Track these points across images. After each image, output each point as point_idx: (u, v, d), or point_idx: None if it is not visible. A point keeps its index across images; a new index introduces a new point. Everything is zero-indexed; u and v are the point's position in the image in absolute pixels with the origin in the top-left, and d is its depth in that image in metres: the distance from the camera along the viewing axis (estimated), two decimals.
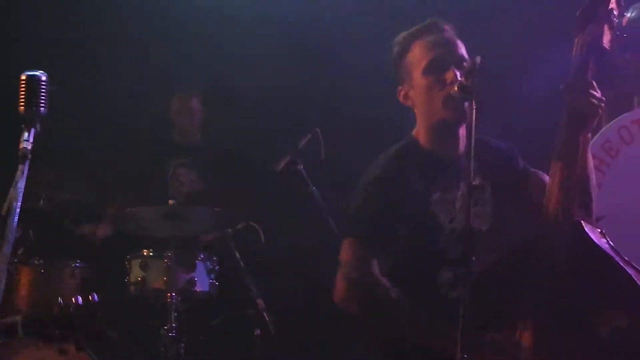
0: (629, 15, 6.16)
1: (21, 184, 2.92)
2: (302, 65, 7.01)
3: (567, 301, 3.32)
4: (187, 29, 7.30)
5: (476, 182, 3.58)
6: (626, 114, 5.99)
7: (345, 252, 3.76)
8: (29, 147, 2.98)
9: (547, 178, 3.63)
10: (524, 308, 3.39)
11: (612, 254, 3.38)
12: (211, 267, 6.48)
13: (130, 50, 7.24)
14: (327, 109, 6.51)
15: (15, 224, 2.89)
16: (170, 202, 6.39)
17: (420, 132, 3.94)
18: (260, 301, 6.36)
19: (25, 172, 2.94)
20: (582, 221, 3.42)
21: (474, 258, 3.33)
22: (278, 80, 7.09)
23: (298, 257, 6.41)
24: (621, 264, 3.36)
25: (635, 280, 3.30)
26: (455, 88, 3.58)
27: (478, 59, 3.55)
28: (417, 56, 3.87)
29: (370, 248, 3.70)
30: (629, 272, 3.33)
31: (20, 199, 2.89)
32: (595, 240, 3.39)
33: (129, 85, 7.16)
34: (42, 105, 3.02)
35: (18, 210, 2.89)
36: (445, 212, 3.80)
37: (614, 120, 5.89)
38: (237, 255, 6.47)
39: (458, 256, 3.56)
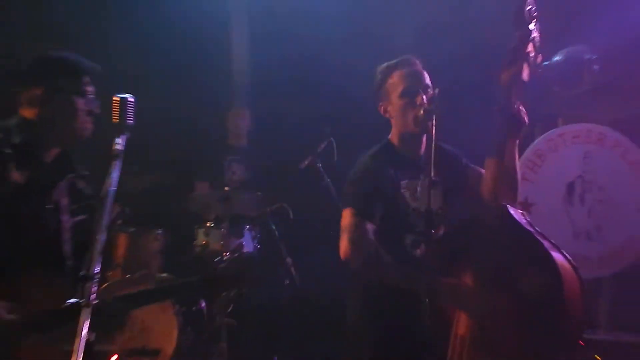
0: (557, 58, 6.37)
1: (115, 175, 2.87)
2: (318, 87, 7.03)
3: (496, 261, 3.36)
4: (231, 62, 7.29)
5: (433, 174, 3.57)
6: (553, 129, 6.25)
7: (346, 219, 3.80)
8: (121, 148, 2.93)
9: (482, 171, 3.68)
10: (467, 265, 3.47)
11: (530, 228, 3.42)
12: (255, 235, 6.67)
13: (195, 77, 7.19)
14: (338, 122, 6.54)
15: (111, 204, 2.82)
16: (226, 188, 6.58)
17: (394, 137, 4.01)
18: (289, 259, 6.55)
19: (118, 166, 2.89)
20: (507, 205, 3.44)
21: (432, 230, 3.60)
22: (301, 99, 7.10)
23: (315, 229, 6.45)
24: (536, 236, 3.40)
25: (546, 248, 3.35)
26: (421, 112, 3.76)
27: (437, 91, 3.79)
28: (396, 83, 3.93)
29: (361, 217, 3.73)
30: (542, 242, 3.38)
31: (115, 185, 2.85)
32: (517, 218, 3.43)
33: (197, 101, 7.16)
34: (129, 119, 2.97)
35: (113, 193, 2.84)
36: (410, 195, 3.85)
37: (544, 134, 6.12)
38: (273, 227, 6.62)
39: (420, 226, 3.76)
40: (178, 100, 6.97)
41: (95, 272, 2.73)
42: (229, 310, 6.33)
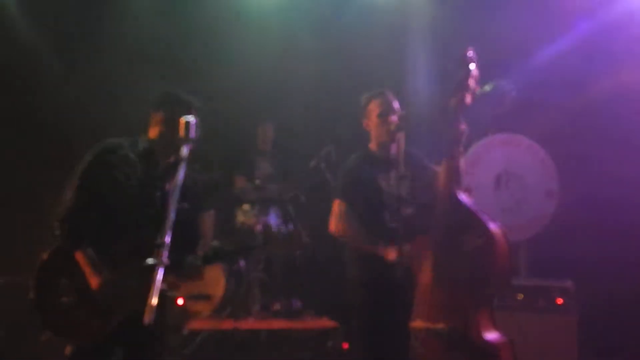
0: (487, 87, 6.38)
1: (181, 174, 2.82)
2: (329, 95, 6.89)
3: (448, 231, 3.38)
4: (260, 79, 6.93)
5: (401, 170, 3.69)
6: (485, 138, 6.29)
7: (336, 207, 3.89)
8: (186, 155, 2.89)
9: (438, 168, 3.66)
10: (426, 234, 3.48)
11: (472, 206, 3.46)
12: (278, 214, 6.59)
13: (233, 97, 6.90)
14: (337, 133, 6.44)
15: (178, 193, 2.77)
16: (257, 181, 6.53)
17: (373, 145, 3.99)
18: (303, 233, 6.45)
19: (184, 169, 2.84)
20: (456, 190, 3.47)
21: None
22: (310, 115, 7.03)
23: (320, 209, 6.41)
24: (476, 211, 3.44)
25: (484, 220, 3.38)
26: (392, 127, 3.81)
27: (405, 112, 3.83)
28: (374, 107, 3.95)
29: (347, 204, 3.81)
30: (480, 215, 3.41)
31: (181, 180, 2.80)
32: (462, 199, 3.47)
33: (234, 116, 7.01)
34: (192, 134, 2.93)
35: (180, 186, 2.80)
36: (385, 183, 3.84)
37: (479, 141, 6.19)
38: (291, 209, 6.55)
39: (393, 206, 3.76)
40: (221, 116, 6.67)
41: (166, 240, 2.68)
42: (261, 267, 6.33)
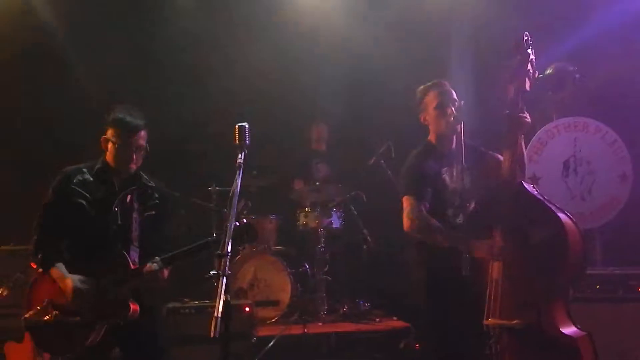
0: (548, 71, 6.24)
1: (238, 179, 2.87)
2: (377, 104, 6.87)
3: (515, 222, 3.32)
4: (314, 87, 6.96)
5: (464, 162, 3.58)
6: (550, 123, 6.13)
7: (405, 203, 3.73)
8: (242, 161, 2.93)
9: (501, 157, 3.58)
10: (494, 226, 3.38)
11: (539, 196, 3.41)
12: (339, 215, 6.58)
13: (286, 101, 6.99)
14: (394, 129, 6.30)
15: (237, 200, 2.86)
16: (317, 183, 6.55)
17: (432, 138, 3.89)
18: (365, 231, 6.46)
19: (240, 174, 2.89)
20: (522, 181, 3.43)
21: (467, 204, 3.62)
22: (366, 113, 7.03)
23: (382, 208, 6.37)
24: (544, 200, 3.38)
25: (553, 210, 3.32)
26: (452, 118, 3.73)
27: (462, 102, 3.75)
28: (431, 99, 3.83)
29: (416, 200, 3.68)
30: (548, 204, 3.36)
31: (238, 187, 2.86)
32: (529, 189, 3.41)
33: (288, 119, 7.04)
34: (247, 140, 2.96)
35: (238, 193, 2.86)
36: (449, 178, 3.76)
37: (543, 127, 6.03)
38: (352, 208, 6.52)
39: (457, 201, 3.70)
40: (273, 120, 6.75)
41: (227, 251, 2.72)
42: (326, 269, 6.33)
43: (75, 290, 3.35)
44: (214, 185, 6.37)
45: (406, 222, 3.71)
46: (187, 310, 4.98)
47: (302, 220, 6.56)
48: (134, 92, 6.21)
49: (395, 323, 6.02)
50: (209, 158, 6.77)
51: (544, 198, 3.44)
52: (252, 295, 6.11)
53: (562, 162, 6.25)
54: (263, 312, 5.94)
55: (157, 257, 3.36)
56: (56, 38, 6.59)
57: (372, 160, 6.00)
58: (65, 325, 3.36)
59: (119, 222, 3.47)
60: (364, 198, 6.49)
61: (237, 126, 2.99)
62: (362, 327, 5.93)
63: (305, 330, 5.35)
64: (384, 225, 6.44)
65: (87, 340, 3.33)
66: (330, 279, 6.37)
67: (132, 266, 3.38)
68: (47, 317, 3.38)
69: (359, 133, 6.98)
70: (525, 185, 3.45)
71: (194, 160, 6.93)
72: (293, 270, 6.32)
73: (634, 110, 6.19)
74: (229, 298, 2.62)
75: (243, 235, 3.17)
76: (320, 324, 5.96)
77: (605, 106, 6.31)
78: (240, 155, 2.96)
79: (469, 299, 3.38)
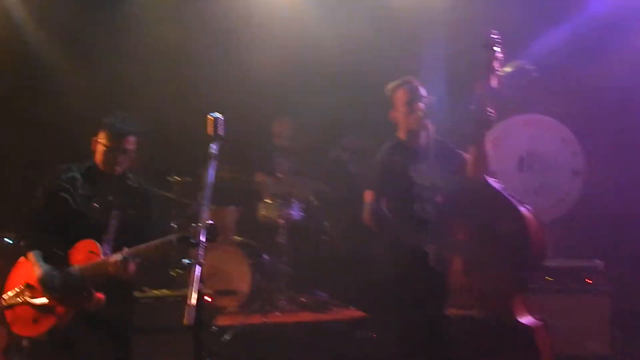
0: (507, 69, 6.37)
1: (212, 170, 2.90)
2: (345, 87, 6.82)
3: (480, 217, 3.44)
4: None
5: (432, 158, 3.71)
6: (507, 119, 6.28)
7: (366, 197, 3.82)
8: (215, 152, 2.95)
9: (466, 155, 3.69)
10: (460, 220, 3.53)
11: (502, 191, 3.53)
12: (300, 207, 6.54)
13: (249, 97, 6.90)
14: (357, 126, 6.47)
15: (210, 191, 2.88)
16: (279, 175, 6.56)
17: (401, 134, 3.94)
18: (326, 223, 6.58)
19: (213, 165, 2.91)
20: (486, 176, 3.55)
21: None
22: (328, 109, 6.81)
23: (344, 200, 6.40)
24: (507, 195, 3.51)
25: (515, 204, 3.45)
26: (421, 114, 3.81)
27: (432, 99, 3.83)
28: (401, 97, 3.89)
29: (376, 195, 3.77)
30: (511, 199, 3.48)
31: (212, 178, 2.88)
32: (493, 184, 3.53)
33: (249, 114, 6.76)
34: (220, 131, 2.99)
35: (211, 184, 2.89)
36: (417, 174, 3.81)
37: (500, 123, 6.14)
38: (313, 200, 6.59)
39: (424, 197, 3.76)
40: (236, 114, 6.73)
41: (201, 240, 2.78)
42: (285, 260, 6.37)
43: (42, 277, 3.48)
44: (173, 175, 6.36)
45: (367, 217, 3.83)
46: (147, 300, 4.95)
47: (262, 211, 6.54)
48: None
49: (353, 313, 6.10)
50: (167, 148, 6.68)
51: (507, 193, 3.55)
52: (211, 285, 6.08)
53: (517, 157, 6.43)
54: (222, 302, 5.95)
55: (125, 249, 3.44)
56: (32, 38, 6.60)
57: (334, 154, 6.03)
58: (34, 307, 3.51)
59: (96, 217, 3.62)
60: (325, 190, 6.56)
61: (210, 117, 3.01)
62: (321, 317, 6.00)
63: (265, 320, 5.37)
64: (345, 216, 6.57)
65: (52, 324, 3.47)
66: (290, 269, 6.40)
67: (100, 257, 3.48)
68: (19, 298, 3.55)
69: (323, 128, 6.95)
70: (489, 180, 3.55)
71: (152, 150, 6.84)
72: (253, 261, 6.33)
73: (588, 107, 6.38)
74: (202, 287, 2.65)
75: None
76: (279, 313, 6.00)
77: (559, 104, 6.49)
78: (213, 147, 2.97)
79: (433, 289, 3.46)
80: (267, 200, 6.57)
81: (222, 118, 3.01)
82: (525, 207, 3.50)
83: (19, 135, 6.48)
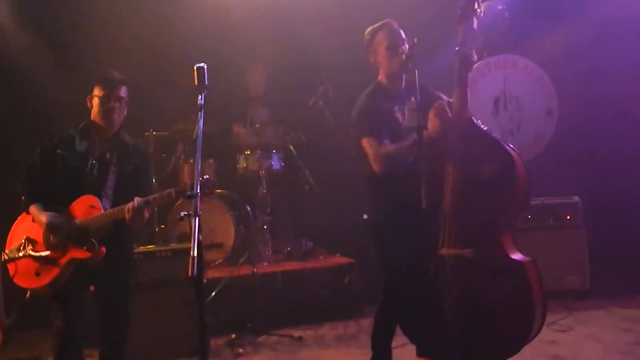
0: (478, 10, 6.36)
1: (200, 122, 2.89)
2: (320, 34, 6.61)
3: (465, 158, 3.41)
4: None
5: (413, 101, 3.60)
6: (481, 61, 6.30)
7: (366, 145, 3.74)
8: (202, 102, 2.96)
9: (445, 97, 3.69)
10: (446, 161, 3.47)
11: (487, 131, 3.53)
12: (280, 156, 6.60)
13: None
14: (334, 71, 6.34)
15: (200, 142, 2.87)
16: (257, 125, 6.50)
17: (382, 78, 3.89)
18: (307, 171, 6.54)
19: (202, 116, 2.91)
20: (471, 117, 3.51)
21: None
22: (304, 55, 6.79)
23: (322, 148, 6.42)
24: (492, 135, 3.52)
25: (501, 144, 3.44)
26: (404, 56, 3.74)
27: (415, 40, 3.78)
28: (381, 40, 3.84)
29: (376, 140, 3.68)
30: (496, 138, 3.50)
31: (200, 130, 2.87)
32: (478, 125, 3.52)
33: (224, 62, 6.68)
34: (205, 81, 2.99)
35: (201, 135, 2.88)
36: (401, 116, 3.81)
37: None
38: (292, 149, 6.55)
39: (410, 138, 3.65)
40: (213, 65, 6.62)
41: (197, 192, 2.79)
42: (268, 211, 6.39)
43: (49, 223, 3.53)
44: (151, 130, 6.29)
45: (375, 165, 3.72)
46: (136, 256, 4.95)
47: (242, 163, 6.53)
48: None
49: (340, 259, 6.19)
50: (144, 102, 6.57)
51: (486, 130, 3.56)
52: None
53: (493, 98, 6.49)
54: (208, 256, 5.97)
55: (136, 198, 3.51)
56: None
57: (312, 102, 6.01)
58: (36, 259, 3.56)
59: (95, 173, 3.64)
60: (303, 139, 6.56)
61: (195, 67, 2.99)
62: (307, 265, 6.08)
63: (254, 270, 5.40)
64: (324, 163, 6.62)
65: (53, 275, 3.51)
66: (273, 220, 6.44)
67: (100, 211, 3.55)
68: (22, 252, 3.61)
69: (297, 76, 6.88)
70: (474, 120, 3.55)
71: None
72: (236, 213, 6.35)
73: (560, 47, 6.43)
74: (201, 238, 2.66)
75: (204, 190, 3.23)
76: (266, 264, 6.05)
77: (532, 44, 6.54)
78: (200, 97, 2.97)
79: (425, 230, 3.50)
80: (247, 152, 6.55)
81: (206, 67, 3.00)
82: (511, 146, 3.52)
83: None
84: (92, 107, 3.72)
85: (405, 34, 3.92)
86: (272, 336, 5.32)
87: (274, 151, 6.55)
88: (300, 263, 6.14)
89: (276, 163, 6.54)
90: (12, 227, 3.74)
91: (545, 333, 3.53)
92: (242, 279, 5.51)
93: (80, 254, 3.50)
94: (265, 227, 6.36)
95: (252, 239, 6.21)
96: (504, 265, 3.39)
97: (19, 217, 3.75)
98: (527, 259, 3.49)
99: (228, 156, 6.73)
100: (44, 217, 3.54)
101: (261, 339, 5.29)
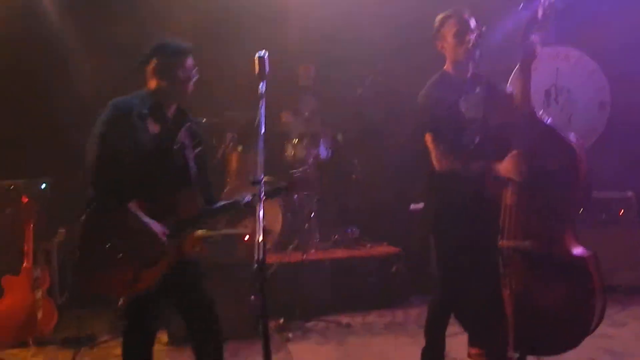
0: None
1: (262, 109, 2.87)
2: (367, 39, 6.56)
3: (529, 150, 3.34)
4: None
5: (478, 91, 3.61)
6: None
7: (429, 142, 3.69)
8: (263, 91, 2.90)
9: (509, 89, 3.64)
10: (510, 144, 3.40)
11: (551, 123, 3.44)
12: (327, 145, 6.51)
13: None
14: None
15: (262, 130, 2.85)
16: (306, 114, 6.51)
17: (449, 67, 3.80)
18: (355, 161, 6.53)
19: (263, 104, 2.88)
20: (534, 108, 3.43)
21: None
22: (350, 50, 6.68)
23: (369, 136, 6.42)
24: (554, 127, 3.43)
25: (565, 138, 3.37)
26: (470, 45, 3.66)
27: (484, 28, 3.71)
28: (450, 28, 3.73)
29: (439, 137, 3.64)
30: (560, 132, 3.40)
31: (263, 117, 2.86)
32: (542, 117, 3.45)
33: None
34: (265, 70, 2.92)
35: (263, 122, 2.85)
36: (465, 107, 3.69)
37: None
38: (340, 138, 6.55)
39: (472, 129, 3.64)
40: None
41: (261, 178, 2.77)
42: (315, 199, 6.37)
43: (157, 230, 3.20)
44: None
45: (436, 164, 3.69)
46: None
47: (290, 151, 6.50)
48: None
49: (387, 248, 6.15)
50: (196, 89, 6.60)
51: (554, 126, 3.48)
52: (243, 226, 6.10)
53: (544, 91, 6.36)
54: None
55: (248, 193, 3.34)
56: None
57: (359, 92, 5.94)
58: (130, 263, 3.17)
59: (175, 159, 3.33)
60: (351, 128, 6.54)
61: (256, 56, 2.97)
62: (355, 253, 6.06)
63: (303, 258, 5.40)
64: (371, 153, 6.56)
65: (155, 277, 3.20)
66: (320, 207, 6.40)
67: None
68: (110, 254, 3.15)
69: (346, 66, 6.76)
70: (536, 112, 3.48)
71: None
72: (284, 202, 6.32)
73: (614, 40, 6.25)
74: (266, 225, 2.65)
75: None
76: (313, 251, 6.04)
77: (586, 36, 6.38)
78: (261, 85, 2.93)
79: (484, 222, 3.44)
80: (295, 140, 6.52)
81: (267, 55, 2.95)
82: (574, 139, 3.43)
83: None
84: (151, 78, 3.35)
85: (475, 23, 3.80)
86: (320, 322, 5.33)
87: (322, 140, 6.50)
88: (347, 251, 6.12)
89: (323, 152, 6.48)
90: (82, 227, 3.19)
91: (600, 327, 3.43)
92: (291, 266, 5.53)
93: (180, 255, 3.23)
94: (312, 214, 6.31)
95: (300, 226, 6.20)
96: (566, 260, 3.33)
97: (85, 214, 3.18)
98: (589, 252, 3.42)
99: (275, 144, 6.66)
100: (158, 227, 3.19)
101: (310, 324, 5.31)
